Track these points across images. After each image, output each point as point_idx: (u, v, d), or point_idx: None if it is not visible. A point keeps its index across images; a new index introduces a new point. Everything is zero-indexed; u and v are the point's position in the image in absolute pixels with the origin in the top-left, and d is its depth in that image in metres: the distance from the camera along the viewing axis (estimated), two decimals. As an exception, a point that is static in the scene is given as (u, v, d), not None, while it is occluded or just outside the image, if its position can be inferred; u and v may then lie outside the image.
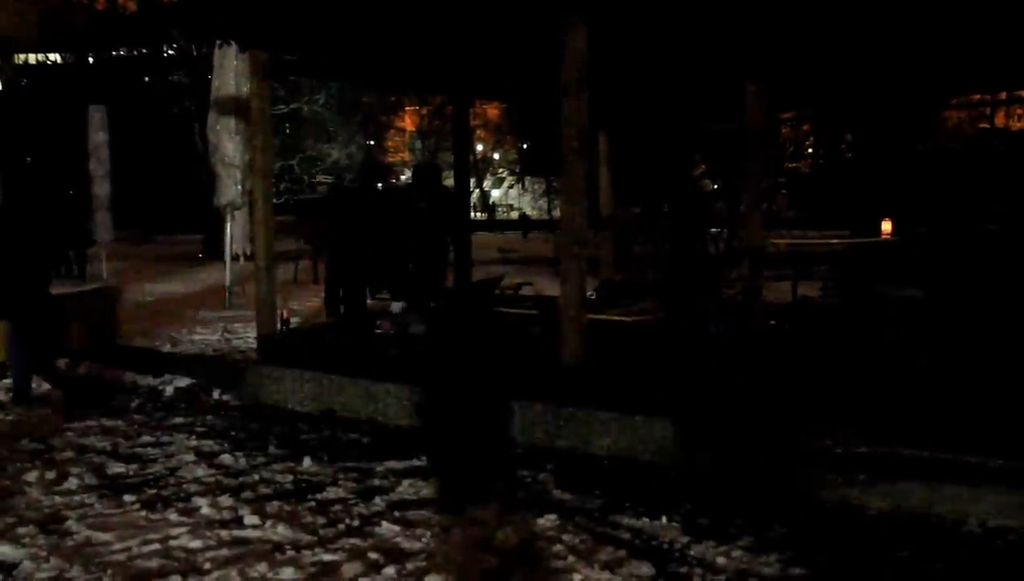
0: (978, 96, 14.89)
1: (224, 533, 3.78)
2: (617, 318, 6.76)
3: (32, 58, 30.85)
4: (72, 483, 4.45)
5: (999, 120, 18.32)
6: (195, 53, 22.29)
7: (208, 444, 5.22)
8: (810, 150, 22.07)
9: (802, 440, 4.39)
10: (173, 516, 3.98)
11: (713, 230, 12.94)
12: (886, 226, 10.09)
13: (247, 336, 8.47)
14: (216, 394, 6.53)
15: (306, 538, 3.72)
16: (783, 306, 8.50)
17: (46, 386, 6.62)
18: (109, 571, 3.40)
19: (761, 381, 5.13)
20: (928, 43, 6.23)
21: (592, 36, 5.24)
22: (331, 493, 4.30)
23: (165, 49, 25.49)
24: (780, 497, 4.14)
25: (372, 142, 34.13)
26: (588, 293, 6.95)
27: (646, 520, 3.90)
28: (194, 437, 5.38)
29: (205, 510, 4.05)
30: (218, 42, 8.53)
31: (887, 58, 6.74)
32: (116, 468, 4.74)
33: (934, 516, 3.86)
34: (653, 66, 7.25)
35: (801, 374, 5.36)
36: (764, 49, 6.46)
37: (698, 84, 7.92)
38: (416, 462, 4.81)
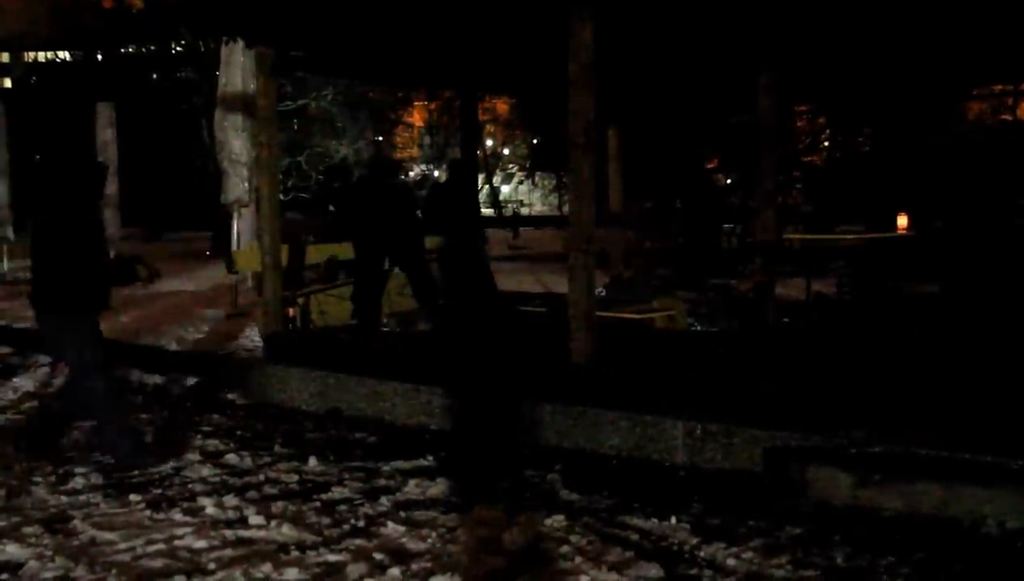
0: (1000, 86, 14.65)
1: (229, 533, 3.74)
2: (627, 316, 6.70)
3: (41, 56, 30.96)
4: (78, 482, 4.42)
5: (1021, 112, 17.93)
6: (203, 50, 22.29)
7: (213, 443, 5.19)
8: (826, 143, 21.70)
9: (816, 439, 4.32)
10: (178, 516, 3.95)
11: (727, 225, 12.86)
12: (902, 221, 9.99)
13: (253, 334, 8.44)
14: (222, 393, 6.50)
15: (311, 538, 3.68)
16: (798, 302, 8.41)
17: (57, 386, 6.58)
18: (114, 571, 3.37)
19: (773, 379, 5.05)
20: (949, 31, 6.11)
21: (601, 27, 5.17)
22: (337, 493, 4.26)
23: (173, 46, 25.52)
24: (791, 498, 4.07)
25: (380, 138, 34.10)
26: (598, 290, 6.90)
27: (655, 521, 3.84)
28: (200, 436, 5.35)
29: (210, 510, 4.01)
30: (224, 38, 8.50)
31: (906, 46, 6.61)
32: (121, 467, 4.70)
33: (951, 518, 3.79)
34: (664, 58, 7.15)
35: (814, 372, 5.28)
36: (779, 38, 6.35)
37: (710, 76, 7.82)
38: (423, 462, 4.76)
